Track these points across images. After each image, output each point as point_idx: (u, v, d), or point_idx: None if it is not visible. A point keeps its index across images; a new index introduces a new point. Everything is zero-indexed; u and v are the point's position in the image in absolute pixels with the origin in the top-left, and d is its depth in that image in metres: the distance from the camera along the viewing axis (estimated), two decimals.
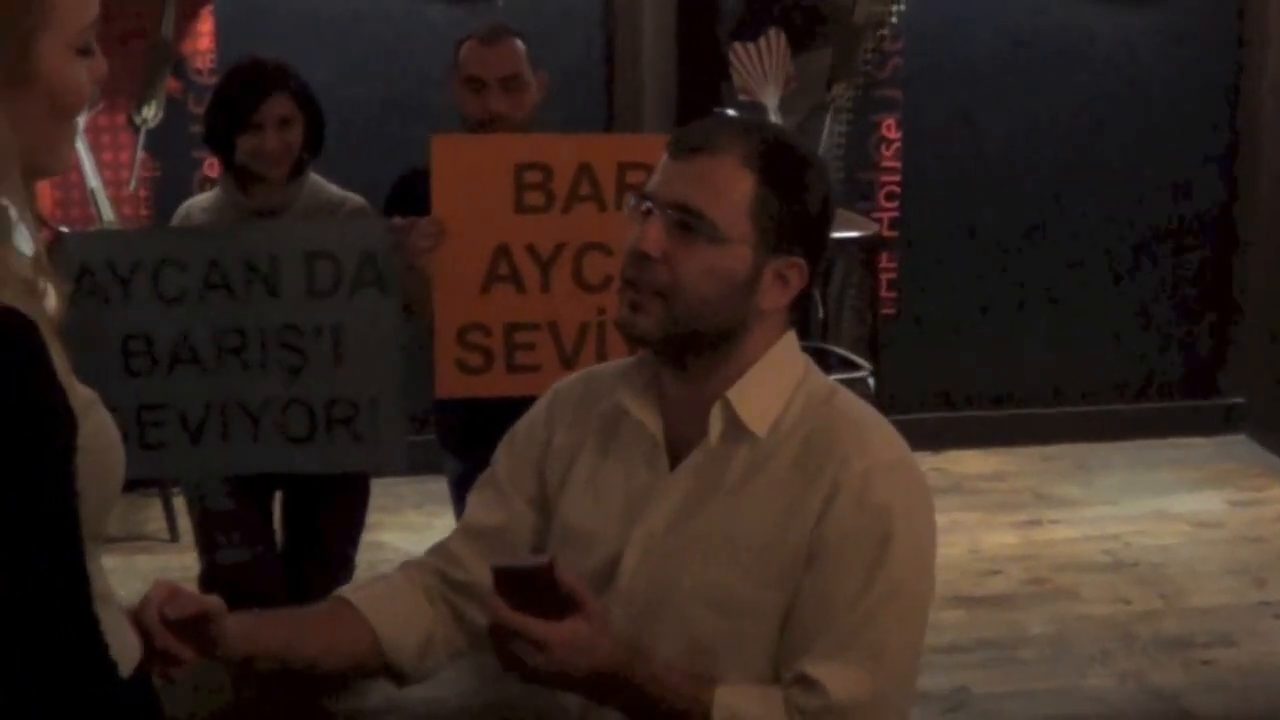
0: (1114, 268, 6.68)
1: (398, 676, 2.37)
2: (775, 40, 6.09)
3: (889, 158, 6.38)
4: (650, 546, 2.24)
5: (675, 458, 2.27)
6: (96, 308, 3.88)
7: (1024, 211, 6.56)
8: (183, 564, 4.59)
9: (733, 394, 2.21)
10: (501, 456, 2.45)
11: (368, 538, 4.64)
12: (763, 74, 6.06)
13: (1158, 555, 5.57)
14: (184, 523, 5.01)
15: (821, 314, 6.32)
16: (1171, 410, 6.77)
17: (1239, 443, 6.71)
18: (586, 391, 2.41)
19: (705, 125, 2.29)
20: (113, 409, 3.98)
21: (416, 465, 4.59)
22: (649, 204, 2.18)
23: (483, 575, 2.28)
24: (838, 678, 2.11)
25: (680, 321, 2.17)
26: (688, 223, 2.14)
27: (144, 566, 5.25)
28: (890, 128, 6.36)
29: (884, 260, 6.38)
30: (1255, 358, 6.71)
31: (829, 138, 6.28)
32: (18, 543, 1.61)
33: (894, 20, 6.24)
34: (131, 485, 5.98)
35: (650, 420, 2.28)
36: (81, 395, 1.74)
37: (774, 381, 2.24)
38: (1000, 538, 5.73)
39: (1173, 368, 6.83)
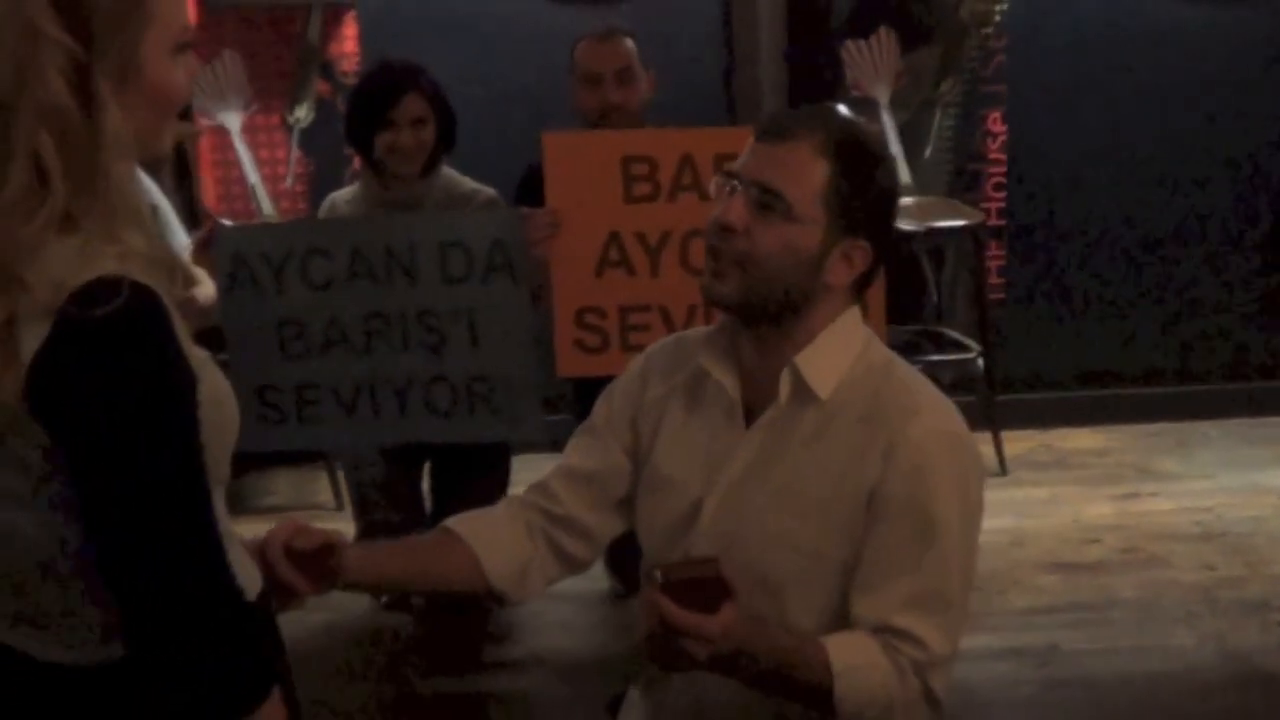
0: (1215, 253, 6.67)
1: (498, 598, 2.55)
2: (886, 38, 6.13)
3: (995, 150, 6.43)
4: (728, 495, 2.43)
5: (750, 416, 2.44)
6: (253, 295, 4.08)
7: (1125, 199, 6.57)
8: (348, 530, 4.84)
9: (800, 359, 2.38)
10: (600, 408, 2.63)
11: None
12: (874, 71, 6.12)
13: (1247, 526, 5.58)
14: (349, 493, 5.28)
15: (935, 298, 6.44)
16: (1271, 390, 6.74)
17: None
18: (676, 352, 2.59)
19: (789, 114, 2.46)
20: (273, 388, 4.26)
21: (557, 442, 4.81)
22: (734, 182, 2.37)
23: (575, 508, 2.57)
24: (931, 634, 2.31)
25: (755, 289, 2.34)
26: (767, 201, 2.32)
27: None
28: (996, 121, 6.41)
29: (993, 248, 6.45)
30: None
31: (938, 131, 6.37)
32: (159, 485, 1.80)
33: (998, 19, 6.31)
34: (299, 459, 6.30)
35: (729, 382, 2.45)
36: (196, 356, 1.90)
37: (837, 350, 2.41)
38: (1100, 509, 5.79)
39: (1272, 349, 6.80)
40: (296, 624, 2.31)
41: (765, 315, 2.39)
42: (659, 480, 2.53)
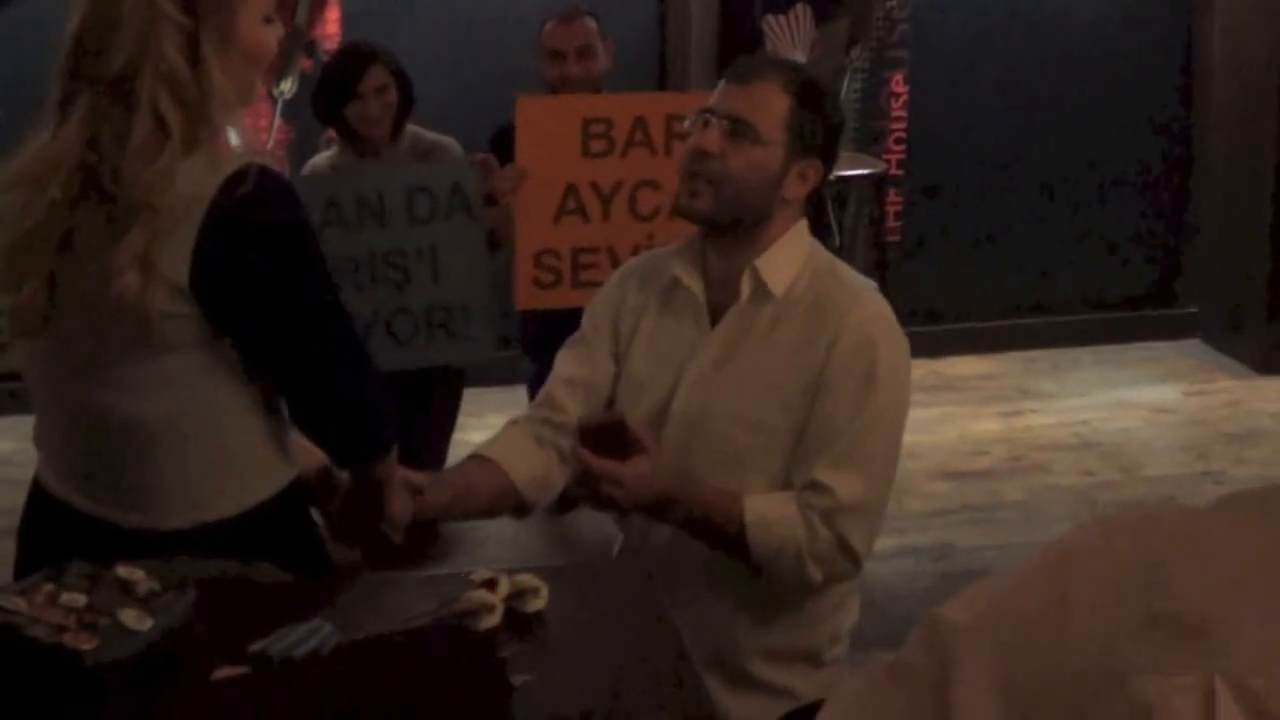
0: (1087, 199, 6.70)
1: (521, 510, 2.65)
2: (802, 13, 6.17)
3: (897, 109, 6.42)
4: (696, 384, 2.56)
5: (715, 317, 2.59)
6: None
7: (1010, 152, 6.58)
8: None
9: (759, 263, 2.54)
10: (586, 320, 2.73)
11: (455, 436, 4.84)
12: (792, 42, 6.16)
13: (1119, 437, 5.65)
14: None
15: (838, 241, 6.45)
16: (1136, 319, 6.79)
17: (1193, 345, 6.71)
18: (649, 266, 2.72)
19: (756, 61, 2.82)
20: None
21: (497, 376, 4.85)
22: (709, 115, 2.52)
23: (579, 415, 2.62)
24: (842, 482, 2.43)
25: (726, 203, 2.51)
26: (739, 129, 2.49)
27: None
28: (899, 83, 6.39)
29: (891, 195, 6.47)
30: (1207, 274, 6.73)
31: (847, 93, 6.38)
32: (325, 306, 2.19)
33: None
34: None
35: (696, 287, 2.59)
36: None
37: (790, 255, 2.56)
38: (986, 425, 5.83)
39: (1138, 283, 6.84)
40: None
41: (733, 226, 2.54)
42: (634, 382, 2.64)
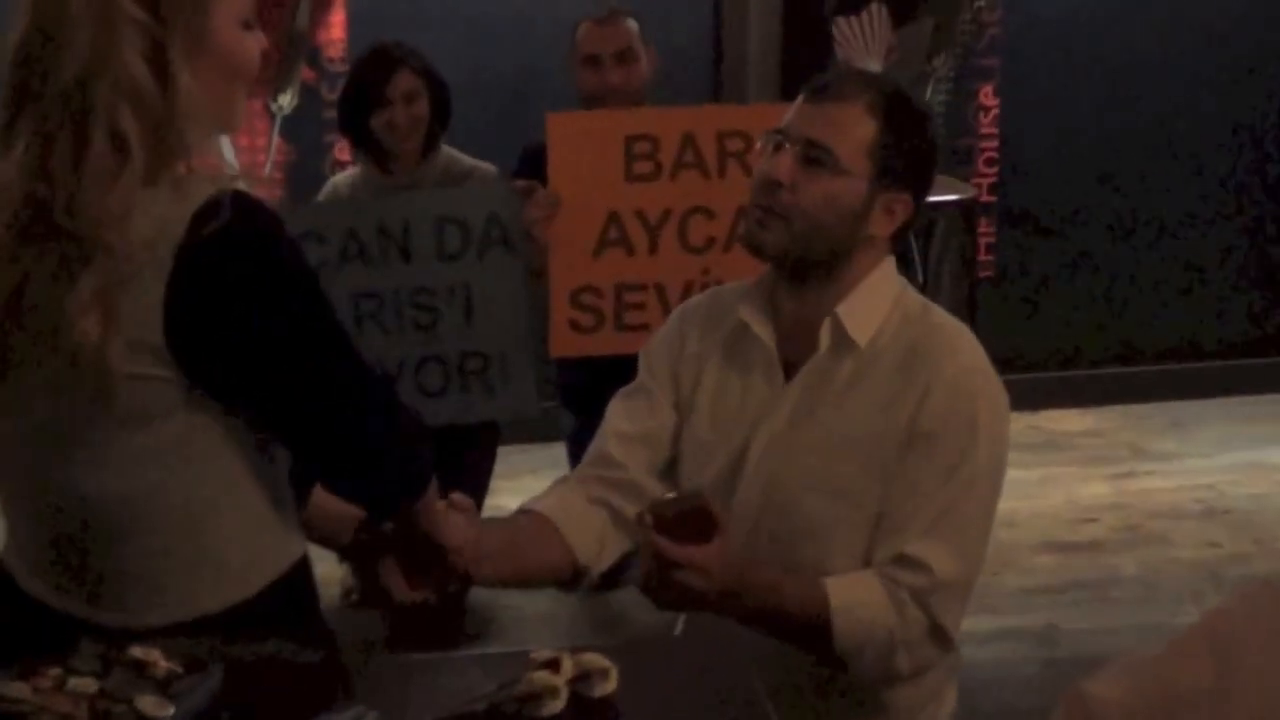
0: (1209, 229, 6.69)
1: (574, 577, 2.60)
2: (877, 13, 6.15)
3: (987, 124, 6.44)
4: (770, 446, 2.51)
5: (788, 368, 2.53)
6: None
7: (1118, 175, 6.58)
8: None
9: (841, 309, 2.48)
10: (642, 367, 2.69)
11: (487, 501, 4.81)
12: (865, 47, 6.13)
13: (1251, 503, 5.61)
14: None
15: (921, 276, 6.43)
16: (1267, 367, 6.77)
17: None
18: (712, 307, 2.68)
19: (838, 75, 2.73)
20: None
21: (533, 432, 4.86)
22: (781, 138, 2.47)
23: (638, 472, 2.62)
24: (938, 557, 2.38)
25: (799, 240, 2.45)
26: (815, 156, 2.43)
27: None
28: (988, 95, 6.41)
29: (982, 225, 6.44)
30: None
31: (929, 107, 6.38)
32: (327, 339, 2.11)
33: None
34: None
35: (766, 335, 2.54)
36: None
37: (875, 299, 2.51)
38: (1095, 489, 5.80)
39: (1268, 325, 6.82)
40: None
41: (808, 266, 2.49)
42: (697, 445, 2.61)
